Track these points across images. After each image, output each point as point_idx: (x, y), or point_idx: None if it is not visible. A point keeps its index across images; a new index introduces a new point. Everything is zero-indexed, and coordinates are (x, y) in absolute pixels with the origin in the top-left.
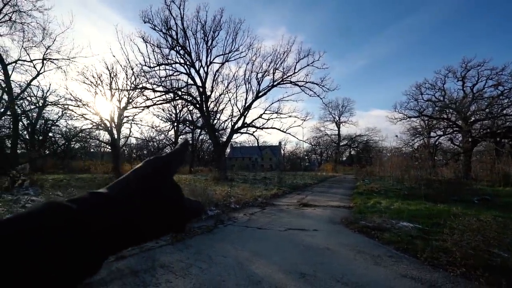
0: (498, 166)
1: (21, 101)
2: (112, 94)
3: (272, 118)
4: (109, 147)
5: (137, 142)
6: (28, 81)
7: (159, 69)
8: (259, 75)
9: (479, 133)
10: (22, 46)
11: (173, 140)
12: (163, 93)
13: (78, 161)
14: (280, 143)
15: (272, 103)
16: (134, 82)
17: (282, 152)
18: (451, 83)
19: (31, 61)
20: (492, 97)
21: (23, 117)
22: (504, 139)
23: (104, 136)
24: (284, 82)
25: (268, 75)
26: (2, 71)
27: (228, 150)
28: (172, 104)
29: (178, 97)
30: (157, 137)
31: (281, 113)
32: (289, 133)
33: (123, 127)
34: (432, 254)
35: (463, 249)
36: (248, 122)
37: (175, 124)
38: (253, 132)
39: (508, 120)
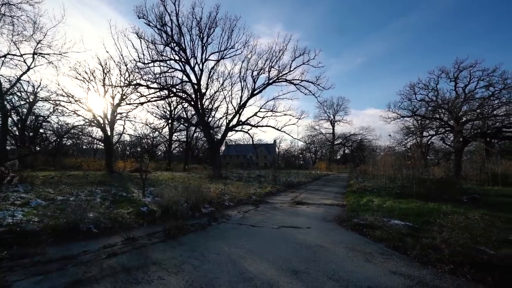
0: (487, 166)
1: (11, 96)
2: (106, 90)
3: (267, 116)
4: (102, 144)
5: (131, 139)
6: (18, 76)
7: (154, 66)
8: (255, 73)
9: (470, 133)
10: (12, 40)
11: (167, 137)
12: (158, 90)
13: (70, 158)
14: (275, 141)
15: (267, 101)
16: (128, 78)
17: (277, 150)
18: (444, 84)
19: (21, 55)
20: (483, 98)
21: (12, 113)
22: (494, 140)
23: (97, 132)
24: (280, 80)
25: (264, 73)
26: None
27: (222, 147)
28: (167, 101)
29: (172, 94)
30: (151, 134)
31: (276, 111)
32: (284, 131)
33: (117, 124)
34: (422, 251)
35: (451, 247)
36: (243, 120)
37: (170, 121)
38: (248, 130)
39: (498, 121)
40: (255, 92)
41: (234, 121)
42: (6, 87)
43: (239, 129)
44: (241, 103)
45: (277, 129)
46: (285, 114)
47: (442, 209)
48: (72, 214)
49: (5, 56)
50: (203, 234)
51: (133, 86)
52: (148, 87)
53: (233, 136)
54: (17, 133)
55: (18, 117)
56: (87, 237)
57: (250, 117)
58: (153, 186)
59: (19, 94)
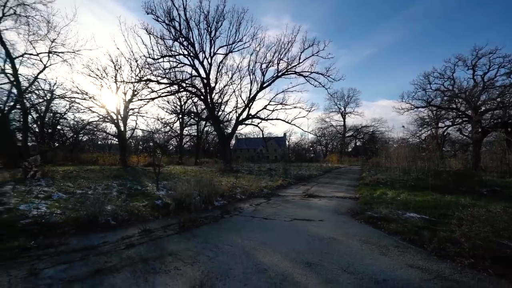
0: (508, 157)
1: (30, 94)
2: (118, 86)
3: (277, 109)
4: (116, 139)
5: (143, 134)
6: (36, 75)
7: (163, 61)
8: (264, 66)
9: (490, 123)
10: (28, 40)
11: (179, 132)
12: (168, 85)
13: (86, 153)
14: (285, 134)
15: (277, 94)
16: (139, 74)
17: (287, 143)
18: (461, 72)
19: (37, 54)
20: (504, 86)
21: (32, 111)
22: None
23: (111, 128)
24: (289, 72)
25: (273, 65)
26: (10, 64)
27: (233, 141)
28: (177, 96)
29: (182, 89)
30: (162, 129)
31: (286, 104)
32: (294, 124)
33: (129, 120)
34: (440, 245)
35: (471, 240)
36: (252, 114)
37: (180, 116)
38: (258, 123)
39: None
40: (264, 85)
41: (244, 115)
42: (25, 85)
43: (249, 122)
44: (251, 96)
45: (287, 122)
46: (295, 107)
47: (461, 202)
48: (91, 207)
49: (22, 55)
50: (216, 226)
51: (144, 82)
52: (158, 82)
53: (243, 130)
54: (37, 130)
55: (37, 115)
56: (106, 229)
57: (260, 110)
58: (166, 180)
59: (37, 92)
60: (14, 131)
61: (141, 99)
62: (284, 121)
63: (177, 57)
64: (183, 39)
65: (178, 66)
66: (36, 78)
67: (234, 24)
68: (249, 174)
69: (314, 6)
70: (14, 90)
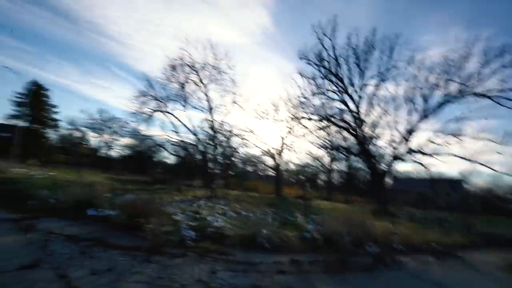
0: None
1: (218, 134)
2: (276, 125)
3: (448, 143)
4: (273, 171)
5: (295, 167)
6: (222, 120)
7: (314, 99)
8: (425, 91)
9: None
10: (220, 94)
11: (328, 167)
12: (318, 121)
13: (249, 181)
14: (462, 175)
15: (447, 123)
16: (293, 113)
17: (467, 187)
18: None
19: (225, 105)
20: None
21: (219, 147)
22: None
23: (269, 161)
24: (464, 95)
25: (438, 89)
26: (210, 114)
27: (389, 180)
28: (326, 131)
29: (332, 124)
30: (312, 163)
31: (461, 136)
32: (477, 162)
33: (284, 154)
34: None
35: None
36: (413, 148)
37: (329, 150)
38: (421, 160)
39: None
40: (428, 114)
41: (401, 150)
42: (216, 128)
43: (409, 158)
44: (410, 128)
45: (465, 159)
46: (476, 138)
47: None
48: (252, 228)
49: (217, 106)
50: (370, 277)
51: (297, 119)
52: (309, 119)
53: (402, 167)
54: (221, 161)
55: (222, 149)
56: (261, 250)
57: (423, 144)
58: (315, 214)
59: (223, 133)
60: (208, 162)
61: (294, 135)
62: (460, 157)
63: (326, 93)
64: (332, 75)
65: (328, 102)
66: (223, 122)
67: (386, 52)
68: (410, 221)
69: (496, 3)
70: (211, 132)
